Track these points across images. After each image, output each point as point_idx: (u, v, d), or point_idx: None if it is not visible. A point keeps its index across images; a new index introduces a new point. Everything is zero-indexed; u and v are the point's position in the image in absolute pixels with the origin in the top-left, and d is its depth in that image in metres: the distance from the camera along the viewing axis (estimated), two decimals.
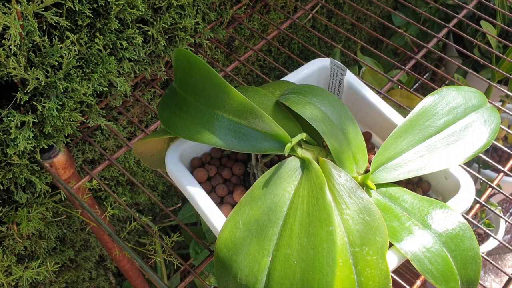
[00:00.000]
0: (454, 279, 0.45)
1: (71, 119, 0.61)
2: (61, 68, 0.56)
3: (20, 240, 0.71)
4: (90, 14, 0.57)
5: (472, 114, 0.53)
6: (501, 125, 0.60)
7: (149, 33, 0.66)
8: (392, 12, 0.88)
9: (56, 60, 0.55)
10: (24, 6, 0.50)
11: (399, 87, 1.00)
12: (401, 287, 0.55)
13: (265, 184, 0.46)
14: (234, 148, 0.48)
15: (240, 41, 0.84)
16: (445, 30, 0.82)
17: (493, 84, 0.77)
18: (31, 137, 0.57)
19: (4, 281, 0.70)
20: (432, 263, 0.45)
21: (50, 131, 0.59)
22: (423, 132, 0.51)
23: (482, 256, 0.50)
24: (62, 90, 0.57)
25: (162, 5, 0.66)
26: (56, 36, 0.56)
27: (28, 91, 0.55)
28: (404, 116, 0.53)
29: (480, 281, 0.50)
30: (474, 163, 1.29)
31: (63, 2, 0.54)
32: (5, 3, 0.49)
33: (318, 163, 0.47)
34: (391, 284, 0.43)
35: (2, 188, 0.62)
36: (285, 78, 0.59)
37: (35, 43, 0.54)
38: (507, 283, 0.58)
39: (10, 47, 0.50)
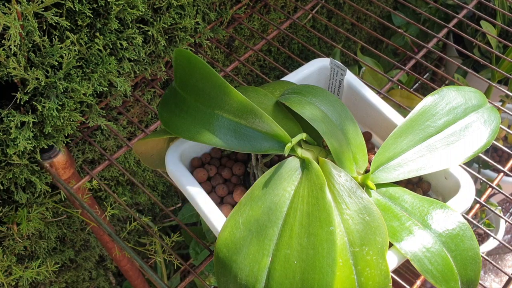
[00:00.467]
0: (454, 279, 0.45)
1: (71, 119, 0.61)
2: (61, 68, 0.56)
3: (20, 240, 0.71)
4: (90, 14, 0.57)
5: (472, 114, 0.53)
6: (501, 125, 0.60)
7: (149, 33, 0.66)
8: (392, 12, 0.88)
9: (56, 60, 0.55)
10: (24, 6, 0.50)
11: (399, 87, 1.00)
12: (401, 287, 0.55)
13: (265, 184, 0.46)
14: (234, 148, 0.48)
15: (240, 41, 0.84)
16: (445, 30, 0.82)
17: (493, 84, 0.77)
18: (31, 137, 0.57)
19: (4, 281, 0.70)
20: (432, 263, 0.45)
21: (50, 131, 0.59)
22: (423, 132, 0.51)
23: (482, 256, 0.50)
24: (62, 90, 0.57)
25: (162, 5, 0.66)
26: (56, 36, 0.56)
27: (28, 91, 0.55)
28: (404, 116, 0.53)
29: (480, 281, 0.50)
30: (474, 163, 1.29)
31: (63, 2, 0.54)
32: (5, 3, 0.49)
33: (318, 163, 0.47)
34: (391, 284, 0.43)
35: (2, 188, 0.62)
36: (285, 78, 0.59)
37: (35, 43, 0.54)
38: (507, 283, 0.58)
39: (10, 47, 0.50)
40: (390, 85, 0.76)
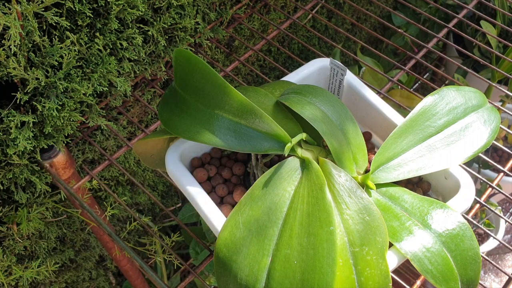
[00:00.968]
0: (454, 279, 0.45)
1: (71, 119, 0.61)
2: (61, 68, 0.56)
3: (20, 240, 0.71)
4: (90, 14, 0.57)
5: (472, 114, 0.53)
6: (501, 125, 0.60)
7: (149, 33, 0.66)
8: (392, 12, 0.88)
9: (56, 60, 0.55)
10: (24, 6, 0.50)
11: (399, 87, 1.00)
12: (401, 287, 0.55)
13: (265, 184, 0.46)
14: (234, 148, 0.48)
15: (240, 41, 0.84)
16: (445, 30, 0.82)
17: (493, 84, 0.77)
18: (31, 137, 0.57)
19: (4, 281, 0.70)
20: (432, 263, 0.45)
21: (50, 131, 0.59)
22: (423, 132, 0.51)
23: (482, 256, 0.50)
24: (62, 90, 0.57)
25: (162, 5, 0.66)
26: (56, 36, 0.56)
27: (28, 91, 0.55)
28: (404, 116, 0.53)
29: (480, 281, 0.50)
30: (474, 163, 1.29)
31: (63, 2, 0.54)
32: (5, 3, 0.49)
33: (318, 163, 0.47)
34: (391, 284, 0.43)
35: (2, 188, 0.62)
36: (285, 78, 0.59)
37: (35, 43, 0.54)
38: (507, 283, 0.58)
39: (10, 47, 0.50)
40: (390, 85, 0.76)
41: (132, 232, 1.05)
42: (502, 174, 0.66)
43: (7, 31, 0.49)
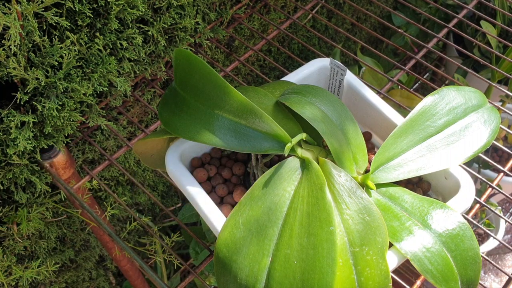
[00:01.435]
0: (454, 279, 0.45)
1: (71, 119, 0.61)
2: (61, 68, 0.56)
3: (20, 240, 0.71)
4: (90, 14, 0.57)
5: (472, 114, 0.53)
6: (501, 125, 0.60)
7: (149, 33, 0.66)
8: (392, 12, 0.88)
9: (56, 60, 0.55)
10: (24, 6, 0.50)
11: (399, 87, 1.00)
12: (401, 287, 0.55)
13: (265, 184, 0.46)
14: (234, 148, 0.48)
15: (240, 41, 0.84)
16: (445, 30, 0.82)
17: (493, 84, 0.77)
18: (31, 137, 0.57)
19: (4, 281, 0.70)
20: (432, 263, 0.45)
21: (50, 131, 0.59)
22: (423, 132, 0.51)
23: (482, 256, 0.50)
24: (62, 90, 0.57)
25: (162, 5, 0.66)
26: (56, 36, 0.56)
27: (28, 91, 0.55)
28: (404, 116, 0.53)
29: (480, 281, 0.50)
30: (474, 163, 1.29)
31: (63, 2, 0.54)
32: (5, 3, 0.49)
33: (318, 163, 0.47)
34: (391, 284, 0.43)
35: (2, 188, 0.62)
36: (285, 78, 0.59)
37: (35, 43, 0.54)
38: (507, 283, 0.58)
39: (10, 47, 0.50)
40: (390, 85, 0.76)
41: (132, 232, 1.05)
42: (502, 174, 0.66)
43: (7, 31, 0.49)
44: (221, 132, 0.48)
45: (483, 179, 0.66)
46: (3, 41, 0.50)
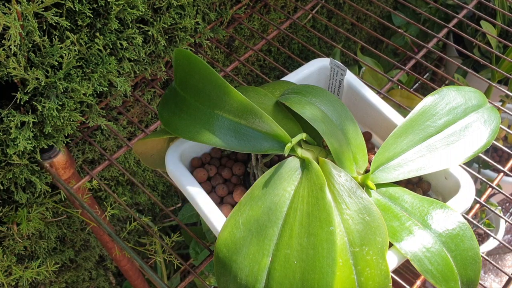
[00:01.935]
0: (454, 279, 0.45)
1: (71, 119, 0.61)
2: (61, 68, 0.56)
3: (20, 240, 0.71)
4: (90, 14, 0.57)
5: (472, 114, 0.53)
6: (501, 125, 0.60)
7: (149, 33, 0.66)
8: (392, 12, 0.88)
9: (56, 60, 0.55)
10: (24, 6, 0.50)
11: (399, 87, 1.00)
12: (401, 287, 0.55)
13: (265, 184, 0.46)
14: (234, 148, 0.48)
15: (240, 41, 0.84)
16: (445, 30, 0.82)
17: (493, 84, 0.77)
18: (31, 137, 0.57)
19: (4, 281, 0.70)
20: (432, 263, 0.45)
21: (50, 131, 0.59)
22: (423, 132, 0.51)
23: (482, 256, 0.50)
24: (62, 90, 0.57)
25: (162, 5, 0.66)
26: (56, 36, 0.56)
27: (28, 91, 0.55)
28: (404, 116, 0.53)
29: (480, 281, 0.50)
30: (474, 163, 1.29)
31: (63, 2, 0.54)
32: (5, 3, 0.49)
33: (318, 163, 0.47)
34: (391, 284, 0.43)
35: (2, 188, 0.62)
36: (285, 78, 0.59)
37: (35, 43, 0.54)
38: (507, 283, 0.58)
39: (10, 47, 0.50)
40: (390, 85, 0.76)
41: (132, 232, 1.05)
42: (502, 174, 0.66)
43: (7, 31, 0.49)
44: (221, 132, 0.48)
45: (483, 179, 0.66)
46: (3, 41, 0.50)
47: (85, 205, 0.64)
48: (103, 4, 0.58)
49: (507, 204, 1.63)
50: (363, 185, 0.48)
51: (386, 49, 1.37)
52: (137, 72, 0.70)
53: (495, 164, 0.67)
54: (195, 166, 0.56)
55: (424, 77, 1.48)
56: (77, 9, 0.56)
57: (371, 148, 0.59)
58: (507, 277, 0.59)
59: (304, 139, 0.49)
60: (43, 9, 0.52)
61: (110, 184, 0.89)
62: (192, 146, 0.55)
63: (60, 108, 0.58)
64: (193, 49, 0.80)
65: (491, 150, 1.42)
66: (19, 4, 0.49)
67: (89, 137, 0.71)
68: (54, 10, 0.54)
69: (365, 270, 0.42)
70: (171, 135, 0.51)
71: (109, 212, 0.71)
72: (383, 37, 0.83)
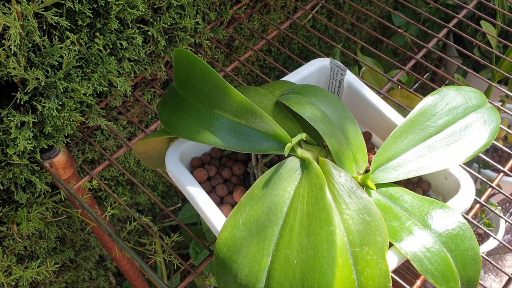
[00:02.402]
0: (454, 279, 0.45)
1: (71, 119, 0.61)
2: (61, 68, 0.56)
3: (20, 240, 0.71)
4: (90, 14, 0.57)
5: (472, 114, 0.53)
6: (501, 125, 0.60)
7: (149, 33, 0.66)
8: (392, 12, 0.88)
9: (56, 60, 0.55)
10: (24, 6, 0.50)
11: (399, 87, 1.00)
12: (401, 287, 0.55)
13: (265, 184, 0.46)
14: (234, 148, 0.48)
15: (240, 41, 0.84)
16: (445, 30, 0.82)
17: (493, 84, 0.77)
18: (31, 137, 0.57)
19: (4, 281, 0.70)
20: (432, 263, 0.45)
21: (50, 131, 0.59)
22: (423, 132, 0.51)
23: (482, 256, 0.50)
24: (62, 90, 0.57)
25: (162, 5, 0.66)
26: (56, 36, 0.56)
27: (28, 91, 0.55)
28: (404, 116, 0.53)
29: (480, 281, 0.50)
30: (474, 163, 1.29)
31: (63, 2, 0.54)
32: (5, 3, 0.49)
33: (318, 163, 0.47)
34: (391, 284, 0.43)
35: (2, 188, 0.62)
36: (285, 78, 0.59)
37: (35, 43, 0.54)
38: (507, 283, 0.58)
39: (10, 47, 0.50)
40: (390, 85, 0.76)
41: (132, 232, 1.05)
42: (502, 174, 0.66)
43: (7, 31, 0.49)
44: (221, 132, 0.48)
45: (483, 179, 0.66)
46: (3, 41, 0.50)
47: (85, 205, 0.64)
48: (103, 4, 0.58)
49: (507, 204, 1.63)
50: (363, 185, 0.48)
51: (386, 49, 1.37)
52: (137, 72, 0.70)
53: (495, 164, 0.67)
54: (195, 166, 0.56)
55: (424, 77, 1.48)
56: (77, 9, 0.56)
57: (371, 148, 0.59)
58: (507, 277, 0.59)
59: (304, 139, 0.49)
60: (43, 9, 0.52)
61: (110, 184, 0.89)
62: (192, 146, 0.55)
63: (60, 108, 0.58)
64: (193, 49, 0.80)
65: (491, 150, 1.42)
66: (19, 4, 0.49)
67: (89, 137, 0.71)
68: (54, 10, 0.54)
69: (365, 270, 0.42)
70: (171, 135, 0.51)
71: (109, 212, 0.71)
72: (383, 37, 0.83)
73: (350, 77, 0.59)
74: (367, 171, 0.50)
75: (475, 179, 1.11)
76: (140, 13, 0.61)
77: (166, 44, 0.71)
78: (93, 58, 0.60)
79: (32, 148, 0.59)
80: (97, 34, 0.59)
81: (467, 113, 0.53)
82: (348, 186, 0.45)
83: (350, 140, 0.50)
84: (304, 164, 0.47)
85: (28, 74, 0.53)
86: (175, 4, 0.67)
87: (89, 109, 0.66)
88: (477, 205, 0.62)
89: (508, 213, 1.59)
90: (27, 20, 0.51)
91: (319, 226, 0.42)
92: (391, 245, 0.46)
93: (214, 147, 0.58)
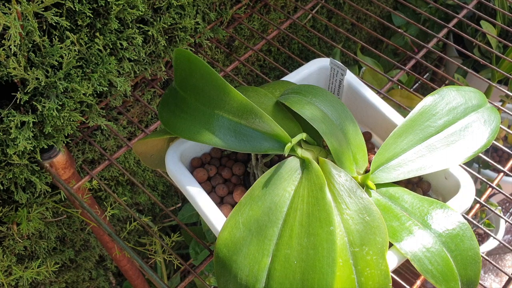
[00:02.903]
0: (454, 279, 0.45)
1: (71, 119, 0.61)
2: (61, 68, 0.56)
3: (20, 240, 0.71)
4: (90, 14, 0.57)
5: (472, 114, 0.53)
6: (501, 125, 0.60)
7: (149, 33, 0.66)
8: (392, 12, 0.88)
9: (56, 60, 0.55)
10: (24, 6, 0.50)
11: (399, 87, 1.00)
12: (401, 287, 0.55)
13: (265, 184, 0.46)
14: (234, 148, 0.48)
15: (240, 41, 0.84)
16: (445, 30, 0.82)
17: (493, 84, 0.77)
18: (31, 137, 0.57)
19: (4, 281, 0.70)
20: (432, 263, 0.45)
21: (50, 131, 0.59)
22: (423, 132, 0.51)
23: (482, 256, 0.50)
24: (62, 90, 0.57)
25: (162, 5, 0.66)
26: (56, 36, 0.56)
27: (28, 91, 0.55)
28: (404, 116, 0.53)
29: (480, 281, 0.50)
30: (474, 163, 1.29)
31: (63, 2, 0.54)
32: (5, 3, 0.49)
33: (318, 163, 0.47)
34: (391, 284, 0.43)
35: (2, 188, 0.62)
36: (285, 78, 0.59)
37: (35, 43, 0.54)
38: (507, 283, 0.58)
39: (10, 47, 0.50)
40: (390, 85, 0.76)
41: (132, 232, 1.05)
42: (502, 174, 0.66)
43: (7, 31, 0.49)
44: (221, 132, 0.48)
45: (483, 179, 0.66)
46: (3, 41, 0.50)
47: (85, 205, 0.64)
48: (103, 4, 0.58)
49: (507, 204, 1.63)
50: (363, 185, 0.48)
51: (386, 49, 1.37)
52: (137, 72, 0.70)
53: (495, 164, 0.67)
54: (195, 166, 0.56)
55: (424, 77, 1.48)
56: (77, 9, 0.56)
57: (371, 148, 0.59)
58: (507, 277, 0.59)
59: (304, 139, 0.49)
60: (43, 9, 0.52)
61: (110, 184, 0.89)
62: (192, 146, 0.55)
63: (60, 108, 0.58)
64: (193, 49, 0.80)
65: (491, 150, 1.42)
66: (19, 4, 0.49)
67: (89, 137, 0.71)
68: (54, 10, 0.54)
69: (365, 270, 0.42)
70: (171, 135, 0.51)
71: (109, 212, 0.71)
72: (383, 37, 0.83)
73: (350, 77, 0.59)
74: (367, 171, 0.50)
75: (475, 179, 1.11)
76: (140, 13, 0.61)
77: (166, 44, 0.71)
78: (93, 58, 0.60)
79: (32, 148, 0.59)
80: (97, 34, 0.59)
81: (467, 113, 0.53)
82: (348, 186, 0.45)
83: (350, 140, 0.50)
84: (304, 164, 0.47)
85: (28, 74, 0.53)
86: (175, 4, 0.67)
87: (89, 109, 0.66)
88: (477, 205, 0.62)
89: (508, 213, 1.59)
90: (27, 20, 0.51)
91: (319, 226, 0.42)
92: (391, 245, 0.46)
93: (214, 147, 0.58)
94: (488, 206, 0.62)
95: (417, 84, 1.41)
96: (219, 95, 0.48)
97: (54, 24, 0.56)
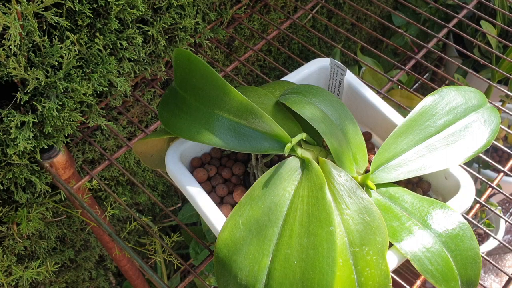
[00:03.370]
0: (454, 279, 0.45)
1: (71, 119, 0.61)
2: (61, 68, 0.56)
3: (20, 240, 0.71)
4: (90, 14, 0.57)
5: (472, 114, 0.53)
6: (501, 125, 0.60)
7: (149, 33, 0.66)
8: (392, 12, 0.88)
9: (56, 60, 0.55)
10: (24, 6, 0.50)
11: (399, 87, 1.00)
12: (401, 287, 0.55)
13: (265, 184, 0.46)
14: (234, 148, 0.48)
15: (240, 41, 0.84)
16: (445, 30, 0.82)
17: (493, 84, 0.77)
18: (31, 137, 0.57)
19: (4, 281, 0.70)
20: (432, 263, 0.45)
21: (50, 131, 0.59)
22: (423, 132, 0.51)
23: (482, 256, 0.50)
24: (62, 90, 0.57)
25: (162, 5, 0.66)
26: (56, 36, 0.56)
27: (28, 91, 0.55)
28: (404, 116, 0.53)
29: (480, 281, 0.50)
30: (474, 163, 1.29)
31: (63, 2, 0.54)
32: (5, 3, 0.49)
33: (318, 163, 0.47)
34: (391, 284, 0.43)
35: (2, 188, 0.62)
36: (285, 78, 0.59)
37: (35, 43, 0.54)
38: (507, 283, 0.58)
39: (10, 47, 0.50)
40: (390, 85, 0.76)
41: (132, 232, 1.05)
42: (502, 174, 0.66)
43: (7, 31, 0.49)
44: (221, 132, 0.48)
45: (483, 179, 0.66)
46: (3, 41, 0.50)
47: (85, 205, 0.64)
48: (103, 4, 0.58)
49: (507, 204, 1.63)
50: (363, 185, 0.48)
51: (386, 49, 1.37)
52: (137, 72, 0.70)
53: (495, 164, 0.67)
54: (195, 166, 0.56)
55: (424, 77, 1.48)
56: (77, 9, 0.56)
57: (371, 148, 0.59)
58: (507, 277, 0.59)
59: (304, 139, 0.49)
60: (43, 9, 0.52)
61: (110, 184, 0.89)
62: (192, 146, 0.55)
63: (60, 108, 0.58)
64: (193, 49, 0.80)
65: (491, 150, 1.42)
66: (19, 4, 0.49)
67: (89, 137, 0.71)
68: (54, 10, 0.54)
69: (365, 270, 0.42)
70: (171, 135, 0.51)
71: (109, 212, 0.71)
72: (383, 37, 0.83)
73: (350, 77, 0.59)
74: (367, 171, 0.50)
75: (475, 179, 1.11)
76: (140, 13, 0.61)
77: (166, 44, 0.71)
78: (93, 58, 0.60)
79: (32, 148, 0.59)
80: (97, 34, 0.59)
81: (467, 113, 0.53)
82: (348, 186, 0.45)
83: (350, 140, 0.50)
84: (304, 164, 0.47)
85: (28, 74, 0.53)
86: (175, 4, 0.67)
87: (89, 109, 0.66)
88: (477, 205, 0.62)
89: (508, 213, 1.59)
90: (27, 20, 0.51)
91: (319, 226, 0.42)
92: (391, 245, 0.46)
93: (214, 147, 0.58)
94: (488, 206, 0.62)
95: (417, 84, 1.41)
96: (219, 95, 0.48)
97: (54, 24, 0.56)
